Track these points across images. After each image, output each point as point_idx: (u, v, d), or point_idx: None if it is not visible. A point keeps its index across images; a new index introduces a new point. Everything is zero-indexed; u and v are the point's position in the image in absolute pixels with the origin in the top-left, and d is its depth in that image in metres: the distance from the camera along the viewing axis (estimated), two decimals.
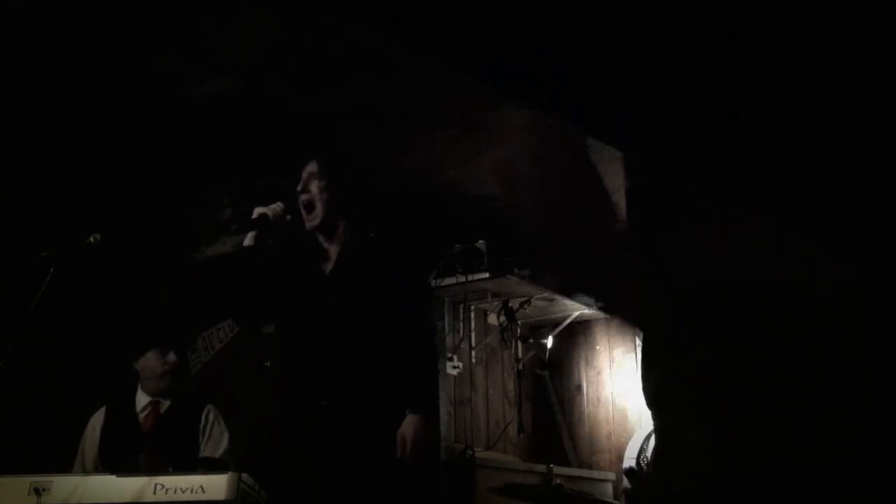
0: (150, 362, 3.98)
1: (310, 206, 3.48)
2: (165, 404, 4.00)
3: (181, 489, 3.16)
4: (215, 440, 3.92)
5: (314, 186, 3.49)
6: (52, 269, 3.49)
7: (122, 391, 4.09)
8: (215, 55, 4.13)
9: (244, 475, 3.28)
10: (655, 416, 1.07)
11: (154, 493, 3.16)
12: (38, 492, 3.14)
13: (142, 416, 3.99)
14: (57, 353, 4.71)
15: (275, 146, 5.11)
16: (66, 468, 3.85)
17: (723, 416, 0.98)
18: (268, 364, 5.14)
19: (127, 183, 5.33)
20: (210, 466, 3.52)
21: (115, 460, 3.76)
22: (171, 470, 3.27)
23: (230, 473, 3.24)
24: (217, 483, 3.18)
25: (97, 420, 4.03)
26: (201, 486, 3.17)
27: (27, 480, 3.19)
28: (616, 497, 5.51)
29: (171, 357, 3.96)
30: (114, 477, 3.26)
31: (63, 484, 3.22)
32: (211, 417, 3.97)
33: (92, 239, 3.65)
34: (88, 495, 3.19)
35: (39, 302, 3.41)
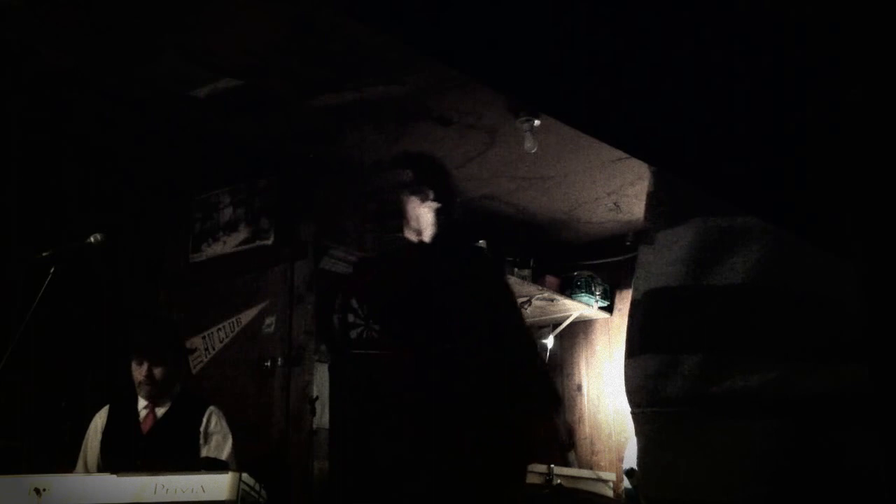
0: (133, 371, 3.98)
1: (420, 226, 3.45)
2: (163, 407, 3.99)
3: (181, 489, 3.15)
4: (218, 442, 3.91)
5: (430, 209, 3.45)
6: (52, 269, 3.50)
7: (123, 391, 4.08)
8: (215, 55, 4.12)
9: (244, 475, 3.27)
10: (649, 416, 1.05)
11: (154, 492, 3.16)
12: (38, 492, 3.14)
13: (141, 416, 3.99)
14: (57, 353, 4.71)
15: (275, 146, 5.11)
16: (66, 468, 3.84)
17: (729, 416, 0.97)
18: (268, 364, 5.15)
19: (127, 183, 5.33)
20: (210, 466, 3.51)
21: (116, 460, 3.76)
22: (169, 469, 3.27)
23: (230, 473, 3.24)
24: (217, 483, 3.18)
25: (100, 419, 4.02)
26: (201, 486, 3.17)
27: (27, 480, 3.19)
28: (616, 497, 5.51)
29: (144, 369, 3.94)
30: (114, 477, 3.26)
31: (63, 484, 3.22)
32: (213, 420, 3.96)
33: (92, 239, 3.65)
34: (88, 495, 3.18)
35: (40, 302, 3.41)
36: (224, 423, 3.97)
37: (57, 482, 3.21)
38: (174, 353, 4.14)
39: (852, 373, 0.89)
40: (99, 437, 3.97)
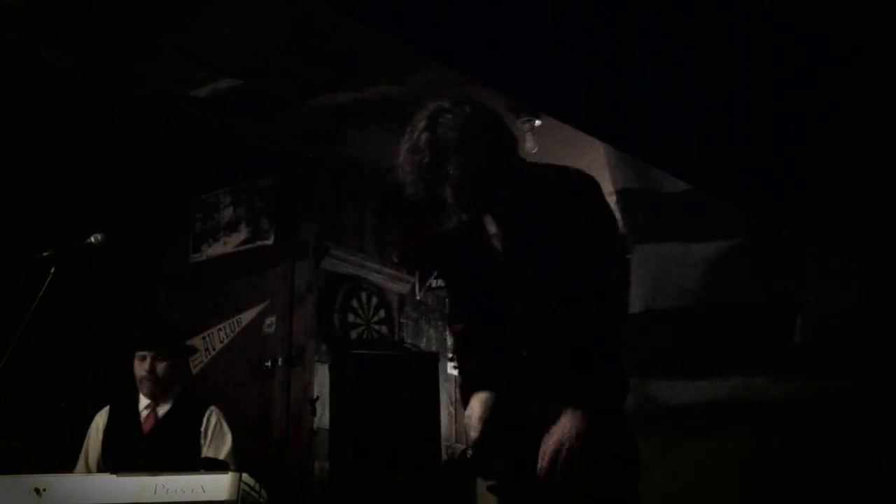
0: (135, 367, 3.98)
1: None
2: (164, 407, 3.99)
3: (181, 489, 3.15)
4: (218, 442, 3.91)
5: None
6: (52, 269, 3.50)
7: (124, 391, 4.08)
8: (215, 55, 4.13)
9: (244, 475, 3.27)
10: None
11: (154, 492, 3.15)
12: (38, 492, 3.14)
13: (142, 416, 3.99)
14: (57, 353, 4.71)
15: (275, 146, 5.11)
16: (66, 468, 3.84)
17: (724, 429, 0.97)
18: (268, 364, 5.15)
19: (127, 183, 5.33)
20: (210, 466, 3.51)
21: (117, 460, 3.76)
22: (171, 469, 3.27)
23: (231, 473, 3.23)
24: (218, 483, 3.18)
25: (101, 419, 4.02)
26: (202, 487, 3.17)
27: (27, 480, 3.18)
28: None
29: (147, 364, 3.93)
30: (114, 477, 3.26)
31: (63, 484, 3.22)
32: (213, 419, 3.96)
33: (92, 239, 3.65)
34: (88, 495, 3.18)
35: (40, 302, 3.41)
36: (224, 423, 3.97)
37: (57, 482, 3.20)
38: (177, 350, 4.14)
39: (816, 379, 0.90)
40: (100, 436, 3.96)
